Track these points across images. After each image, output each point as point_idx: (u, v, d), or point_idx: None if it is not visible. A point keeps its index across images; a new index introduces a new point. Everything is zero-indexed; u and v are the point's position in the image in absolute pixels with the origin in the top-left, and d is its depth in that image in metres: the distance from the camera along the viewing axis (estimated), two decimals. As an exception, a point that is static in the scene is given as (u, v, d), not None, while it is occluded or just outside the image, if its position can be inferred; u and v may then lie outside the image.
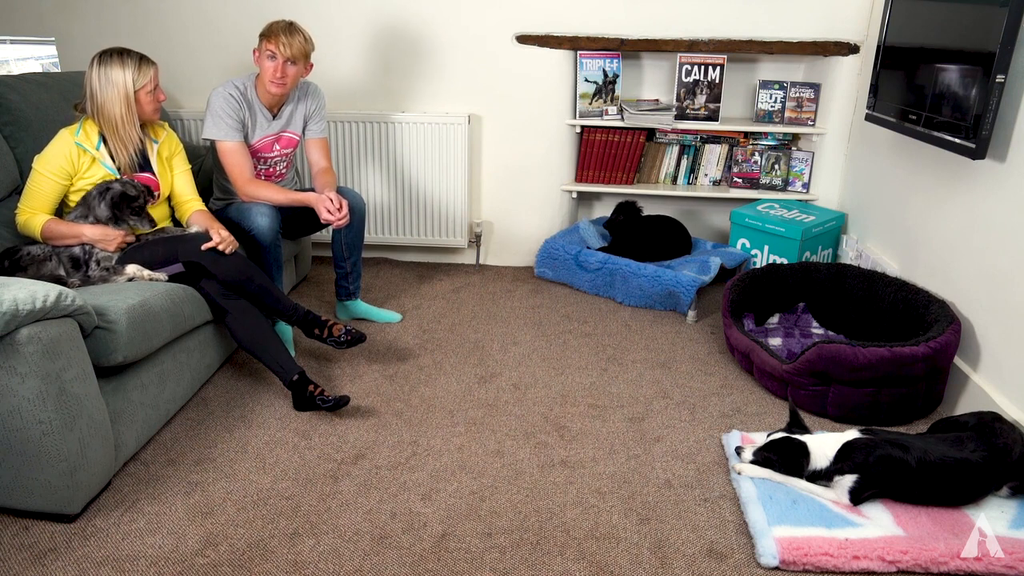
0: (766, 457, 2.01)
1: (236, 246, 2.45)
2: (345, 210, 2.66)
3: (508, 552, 1.80)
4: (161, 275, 2.35)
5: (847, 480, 1.90)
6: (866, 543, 1.76)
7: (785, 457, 1.98)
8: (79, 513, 1.90)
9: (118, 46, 2.39)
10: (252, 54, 2.67)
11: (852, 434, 1.97)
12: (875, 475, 1.88)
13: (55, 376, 1.74)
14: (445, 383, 2.59)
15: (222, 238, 2.39)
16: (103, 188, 2.33)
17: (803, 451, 1.97)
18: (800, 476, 1.97)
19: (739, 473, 2.04)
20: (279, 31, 2.59)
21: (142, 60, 2.38)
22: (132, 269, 2.32)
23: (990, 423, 1.96)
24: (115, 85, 2.33)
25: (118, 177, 2.38)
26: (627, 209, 3.42)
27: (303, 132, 2.89)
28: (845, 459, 1.91)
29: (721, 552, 1.80)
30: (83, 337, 1.87)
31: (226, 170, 2.71)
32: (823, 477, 1.94)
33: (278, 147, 2.83)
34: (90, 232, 2.30)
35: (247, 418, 2.36)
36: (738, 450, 2.08)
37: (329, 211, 2.64)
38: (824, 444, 1.97)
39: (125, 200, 2.34)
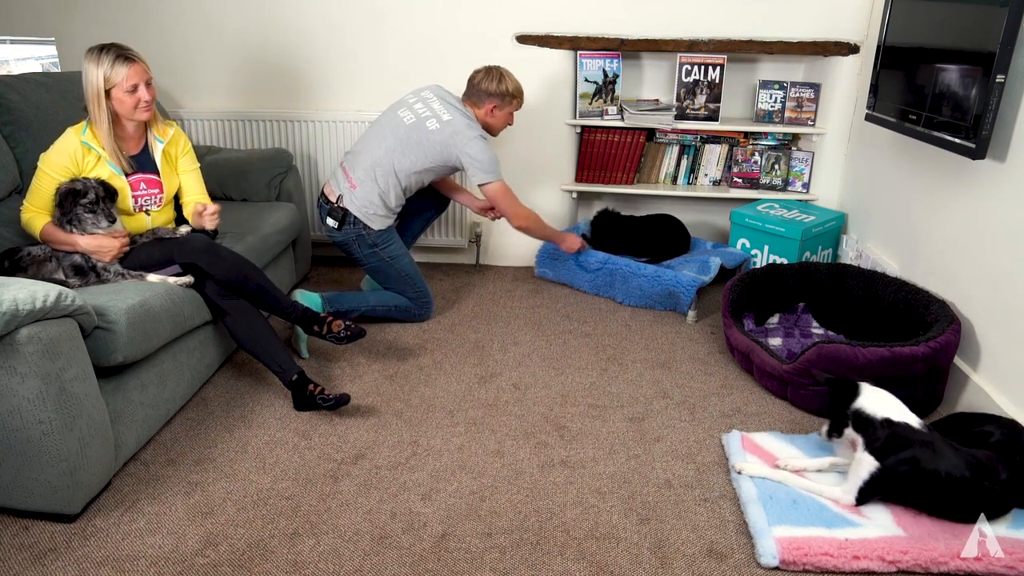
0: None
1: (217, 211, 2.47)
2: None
3: (508, 552, 1.80)
4: (187, 278, 2.35)
5: (866, 462, 1.87)
6: (866, 543, 1.77)
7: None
8: (79, 513, 1.90)
9: (109, 42, 2.29)
10: (485, 105, 2.85)
11: (902, 412, 1.92)
12: (894, 476, 1.85)
13: (55, 376, 1.74)
14: (445, 383, 2.59)
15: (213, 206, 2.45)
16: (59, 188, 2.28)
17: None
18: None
19: (739, 472, 2.04)
20: (520, 92, 2.89)
21: (117, 58, 2.24)
22: (154, 279, 2.30)
23: (1017, 437, 1.88)
24: (88, 83, 2.26)
25: (118, 176, 2.37)
26: (604, 219, 3.38)
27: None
28: (876, 438, 1.87)
29: (721, 552, 1.80)
30: (83, 337, 1.87)
31: (510, 208, 2.89)
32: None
33: None
34: (84, 243, 2.25)
35: (247, 418, 2.36)
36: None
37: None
38: (880, 401, 1.94)
39: (71, 196, 2.24)
